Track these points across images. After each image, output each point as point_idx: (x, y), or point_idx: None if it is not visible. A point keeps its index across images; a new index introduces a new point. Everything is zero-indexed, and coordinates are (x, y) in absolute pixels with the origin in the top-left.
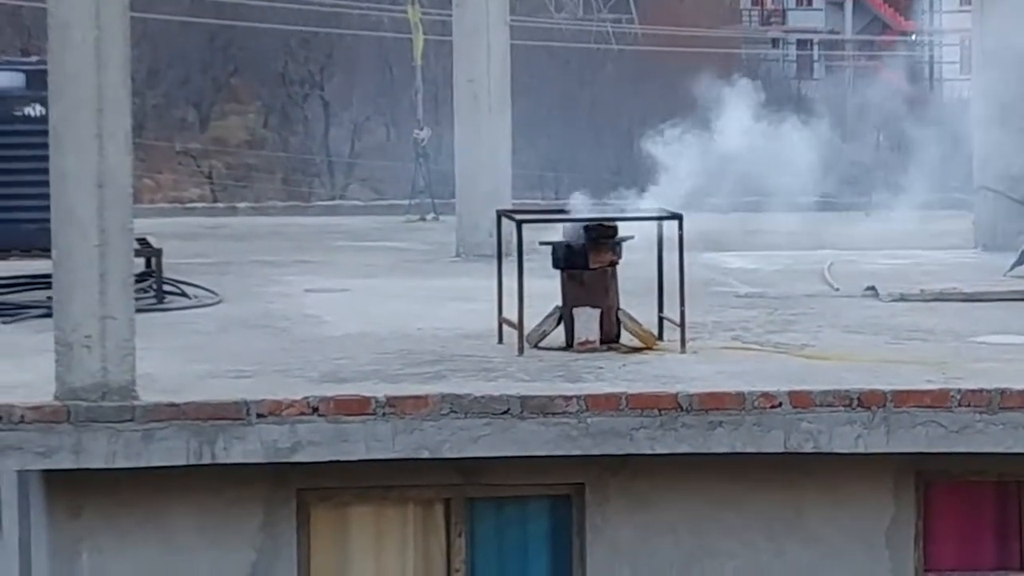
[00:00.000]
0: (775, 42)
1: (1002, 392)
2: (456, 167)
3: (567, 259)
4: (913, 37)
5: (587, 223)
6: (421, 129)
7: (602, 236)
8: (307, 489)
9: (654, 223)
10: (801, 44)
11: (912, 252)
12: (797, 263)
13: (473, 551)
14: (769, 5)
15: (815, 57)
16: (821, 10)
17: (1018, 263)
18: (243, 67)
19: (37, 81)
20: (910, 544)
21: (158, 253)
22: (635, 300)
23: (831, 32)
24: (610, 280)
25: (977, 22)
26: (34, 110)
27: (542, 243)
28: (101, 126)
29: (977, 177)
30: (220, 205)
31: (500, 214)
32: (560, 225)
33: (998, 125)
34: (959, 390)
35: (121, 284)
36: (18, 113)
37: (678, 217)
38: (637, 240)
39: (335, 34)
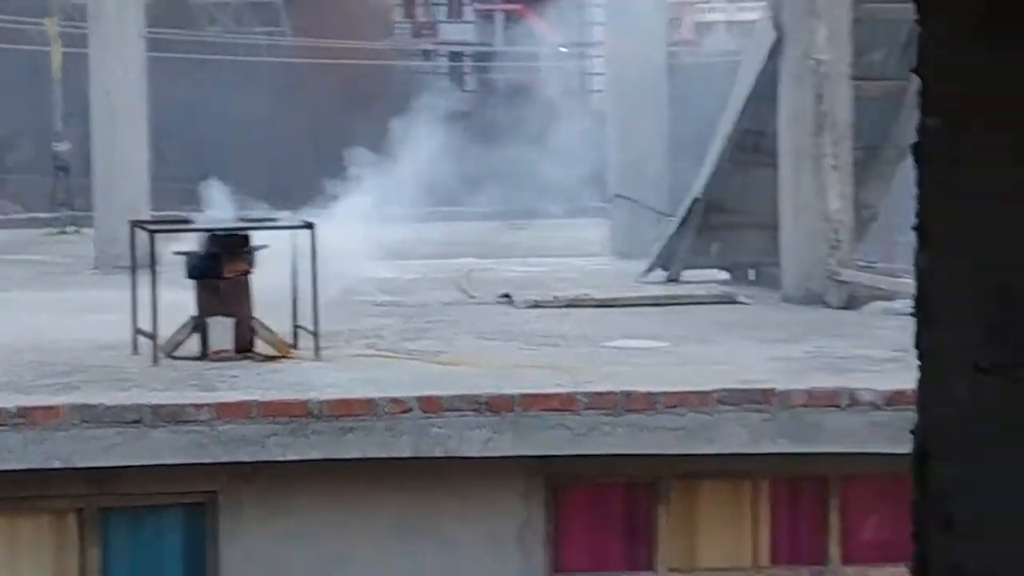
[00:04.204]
0: (427, 54)
1: (628, 395)
2: (93, 179)
3: (201, 269)
4: (564, 49)
5: (218, 232)
6: (60, 142)
7: (235, 245)
8: None
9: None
10: (453, 56)
11: (549, 260)
12: (436, 271)
13: (107, 561)
14: (420, 18)
15: (466, 70)
16: (472, 23)
17: (650, 269)
18: None
19: None
20: (540, 546)
21: None
22: (275, 310)
23: (482, 44)
24: (244, 289)
25: (608, 35)
26: None
27: (176, 253)
28: None
29: (613, 186)
30: None
31: (133, 225)
32: (197, 235)
33: (631, 134)
34: (586, 393)
35: None
36: None
37: (310, 226)
38: (287, 250)
39: None
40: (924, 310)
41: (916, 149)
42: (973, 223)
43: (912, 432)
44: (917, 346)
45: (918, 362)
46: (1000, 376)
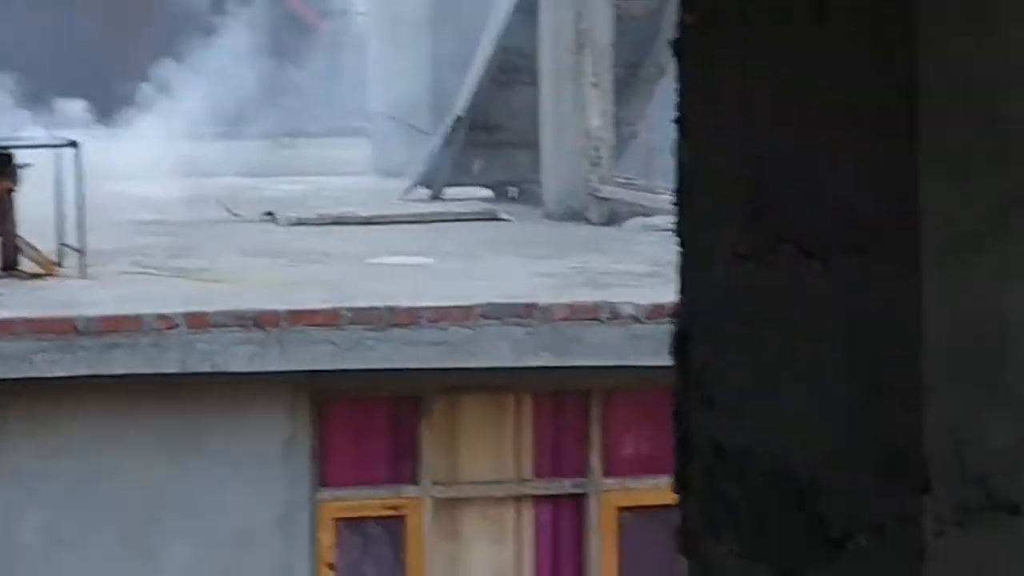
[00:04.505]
0: None
1: (392, 310)
2: None
3: None
4: None
5: None
6: None
7: None
8: None
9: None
10: None
11: (313, 178)
12: (200, 190)
13: None
14: None
15: None
16: None
17: (413, 187)
18: None
19: None
20: (306, 460)
21: None
22: (40, 228)
23: None
24: (7, 207)
25: None
26: None
27: None
28: None
29: (375, 104)
30: None
31: None
32: None
33: (394, 52)
34: (350, 309)
35: None
36: None
37: (75, 145)
38: (52, 168)
39: None
40: (685, 199)
41: (675, 45)
42: (727, 118)
43: (672, 316)
44: (678, 233)
45: (679, 249)
46: (755, 262)
